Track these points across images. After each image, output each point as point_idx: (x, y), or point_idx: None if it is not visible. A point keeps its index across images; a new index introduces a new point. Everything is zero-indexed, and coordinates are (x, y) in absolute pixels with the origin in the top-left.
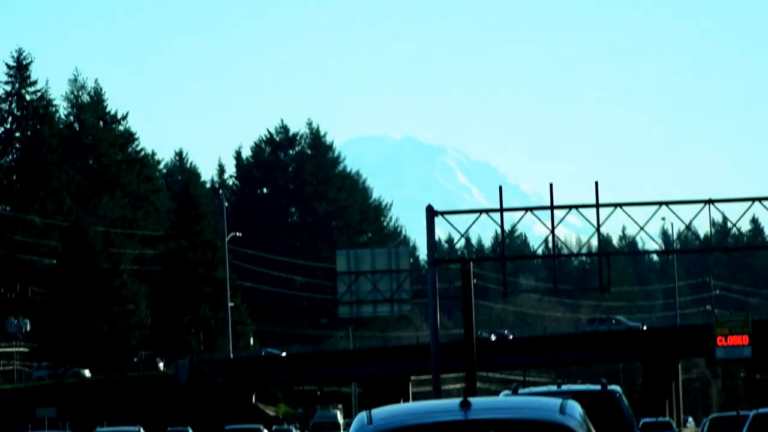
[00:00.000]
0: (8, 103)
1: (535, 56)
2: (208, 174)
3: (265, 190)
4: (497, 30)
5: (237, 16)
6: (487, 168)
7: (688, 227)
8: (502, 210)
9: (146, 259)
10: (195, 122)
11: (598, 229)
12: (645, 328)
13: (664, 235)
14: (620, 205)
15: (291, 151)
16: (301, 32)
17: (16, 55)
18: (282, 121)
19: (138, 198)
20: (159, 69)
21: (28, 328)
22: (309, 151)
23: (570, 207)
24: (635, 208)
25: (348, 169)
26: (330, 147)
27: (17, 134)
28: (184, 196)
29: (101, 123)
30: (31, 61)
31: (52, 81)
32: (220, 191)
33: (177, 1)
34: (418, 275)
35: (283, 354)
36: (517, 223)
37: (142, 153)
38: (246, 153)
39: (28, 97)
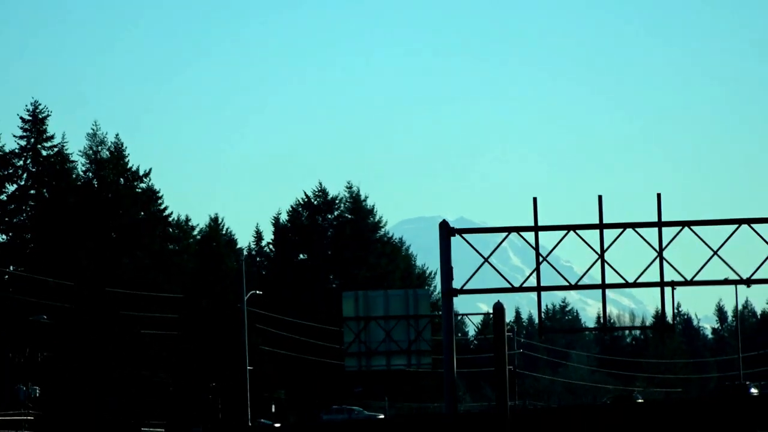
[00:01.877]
0: (23, 158)
1: (593, 143)
2: (245, 241)
3: (302, 256)
4: (553, 112)
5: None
6: (541, 251)
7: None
8: (536, 228)
9: (167, 322)
10: (232, 188)
11: (660, 254)
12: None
13: (720, 311)
14: (687, 223)
15: (329, 216)
16: (352, 108)
17: (31, 109)
18: (320, 184)
19: (161, 259)
20: (191, 128)
21: (38, 395)
22: (348, 216)
23: (626, 225)
24: (705, 228)
25: (390, 234)
26: (371, 211)
27: (32, 191)
28: (206, 255)
29: (122, 180)
30: (48, 115)
31: (70, 135)
32: (240, 250)
33: (211, 59)
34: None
35: (277, 425)
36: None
37: (168, 212)
38: (284, 218)
39: (44, 153)
